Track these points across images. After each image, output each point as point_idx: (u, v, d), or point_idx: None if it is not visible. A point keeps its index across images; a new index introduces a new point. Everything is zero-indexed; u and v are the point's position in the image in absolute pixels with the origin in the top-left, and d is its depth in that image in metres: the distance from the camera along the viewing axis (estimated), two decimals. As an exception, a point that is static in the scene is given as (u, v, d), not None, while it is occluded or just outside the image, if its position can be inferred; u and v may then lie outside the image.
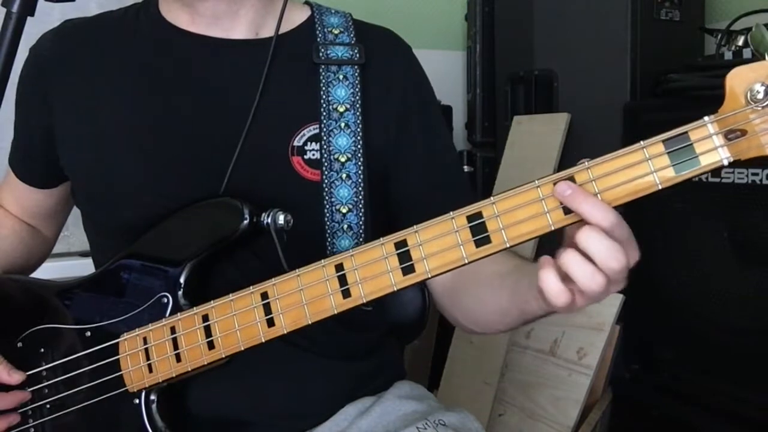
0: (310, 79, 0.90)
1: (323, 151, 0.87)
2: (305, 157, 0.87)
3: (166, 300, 0.81)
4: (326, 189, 0.86)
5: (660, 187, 0.57)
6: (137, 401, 0.80)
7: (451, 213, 0.66)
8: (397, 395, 0.94)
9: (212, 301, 0.77)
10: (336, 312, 0.71)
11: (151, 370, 0.79)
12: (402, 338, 1.11)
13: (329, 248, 0.87)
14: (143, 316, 0.81)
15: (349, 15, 0.97)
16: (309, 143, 0.88)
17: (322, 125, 0.88)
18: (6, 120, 0.97)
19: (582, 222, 0.61)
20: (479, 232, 0.64)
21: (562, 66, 1.85)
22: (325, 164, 0.87)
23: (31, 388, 0.86)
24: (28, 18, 0.72)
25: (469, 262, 0.65)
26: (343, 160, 0.87)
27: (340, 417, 0.90)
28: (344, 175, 0.87)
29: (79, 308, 0.87)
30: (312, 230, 0.86)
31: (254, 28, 0.92)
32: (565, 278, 0.62)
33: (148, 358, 0.79)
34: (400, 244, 0.68)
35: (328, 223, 0.87)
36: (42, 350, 0.86)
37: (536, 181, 0.62)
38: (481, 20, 2.13)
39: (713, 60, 1.62)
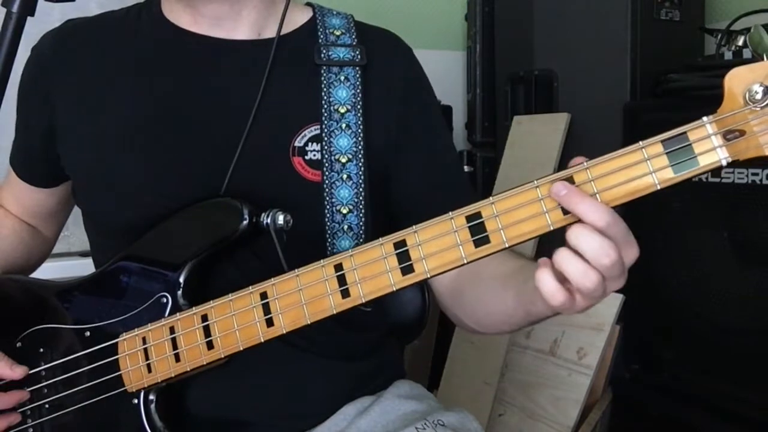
0: (312, 80, 0.90)
1: (324, 151, 0.87)
2: (306, 157, 0.87)
3: (165, 300, 0.81)
4: (327, 189, 0.87)
5: (659, 188, 0.57)
6: (136, 401, 0.80)
7: (450, 213, 0.66)
8: (396, 395, 0.94)
9: (211, 301, 0.77)
10: (335, 312, 0.71)
11: (150, 370, 0.79)
12: (402, 338, 1.11)
13: (329, 249, 0.87)
14: (142, 316, 0.81)
15: (350, 16, 0.97)
16: (310, 144, 0.88)
17: (324, 126, 0.88)
18: (6, 120, 0.97)
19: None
20: (478, 232, 0.64)
21: (562, 66, 1.85)
22: (326, 165, 0.87)
23: (31, 388, 0.86)
24: (28, 18, 0.72)
25: (468, 262, 0.65)
26: (343, 160, 0.87)
27: (339, 417, 0.90)
28: (345, 176, 0.87)
29: (79, 308, 0.87)
30: (312, 231, 0.86)
31: (256, 29, 0.92)
32: (563, 278, 0.62)
33: (147, 358, 0.79)
34: (399, 244, 0.68)
35: (328, 223, 0.87)
36: (41, 350, 0.86)
37: (535, 181, 0.62)
38: (481, 20, 2.13)
39: (713, 60, 1.62)
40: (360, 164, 0.88)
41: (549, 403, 1.54)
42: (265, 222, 0.80)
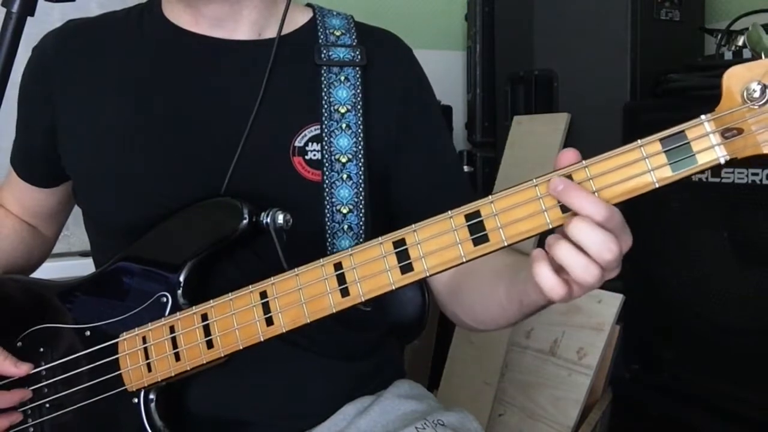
0: (312, 80, 0.90)
1: (324, 151, 0.87)
2: (306, 157, 0.88)
3: (165, 299, 0.81)
4: (327, 189, 0.87)
5: (657, 186, 0.57)
6: (136, 400, 0.80)
7: (450, 212, 0.66)
8: (396, 394, 0.94)
9: (211, 301, 0.77)
10: (334, 311, 0.71)
11: (150, 370, 0.79)
12: (402, 338, 1.11)
13: (329, 248, 0.87)
14: (142, 315, 0.81)
15: (350, 17, 0.98)
16: (310, 144, 0.88)
17: (324, 126, 0.88)
18: (6, 120, 0.97)
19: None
20: (477, 230, 0.64)
21: (562, 66, 1.85)
22: (326, 165, 0.87)
23: (31, 387, 0.86)
24: (28, 18, 0.73)
25: (467, 261, 0.65)
26: (344, 160, 0.88)
27: (339, 416, 0.90)
28: (345, 176, 0.87)
29: (79, 308, 0.87)
30: (312, 230, 0.86)
31: (257, 29, 0.93)
32: (559, 269, 0.63)
33: (147, 358, 0.79)
34: (399, 243, 0.68)
35: (328, 223, 0.87)
36: (41, 350, 0.87)
37: (534, 180, 0.62)
38: (481, 20, 2.13)
39: (713, 60, 1.62)
40: (360, 164, 0.88)
41: (549, 403, 1.53)
42: (264, 221, 0.80)
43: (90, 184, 0.93)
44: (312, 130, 0.88)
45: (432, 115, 0.99)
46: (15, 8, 0.71)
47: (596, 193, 0.59)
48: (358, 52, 0.92)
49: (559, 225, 0.62)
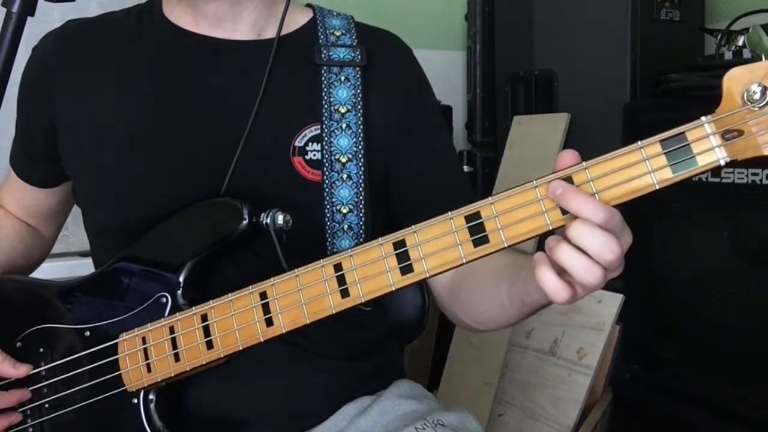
0: (312, 80, 0.90)
1: (324, 151, 0.87)
2: (306, 157, 0.88)
3: (165, 300, 0.81)
4: (327, 189, 0.87)
5: (657, 187, 0.57)
6: (136, 401, 0.80)
7: (450, 213, 0.66)
8: (396, 395, 0.94)
9: (211, 301, 0.77)
10: (334, 312, 0.71)
11: (149, 370, 0.79)
12: (402, 338, 1.11)
13: (329, 248, 0.87)
14: (142, 315, 0.81)
15: (350, 17, 0.98)
16: (310, 144, 0.88)
17: (324, 126, 0.88)
18: (6, 120, 0.97)
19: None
20: (477, 232, 0.64)
21: (562, 66, 1.84)
22: (326, 165, 0.87)
23: (31, 388, 0.86)
24: (28, 18, 0.73)
25: (467, 262, 0.65)
26: (344, 160, 0.88)
27: (339, 417, 0.90)
28: (345, 176, 0.87)
29: (79, 308, 0.87)
30: (312, 230, 0.86)
31: (257, 29, 0.93)
32: (562, 271, 0.63)
33: (147, 358, 0.79)
34: (399, 244, 0.68)
35: (328, 223, 0.87)
36: (41, 350, 0.86)
37: (534, 181, 0.62)
38: (481, 20, 2.12)
39: (713, 60, 1.62)
40: (360, 164, 0.88)
41: (549, 403, 1.53)
42: (264, 222, 0.80)
43: (90, 184, 0.93)
44: (312, 130, 0.88)
45: (432, 116, 0.99)
46: (15, 8, 0.71)
47: (596, 195, 0.59)
48: (358, 53, 0.92)
49: (560, 226, 0.62)
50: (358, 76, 0.90)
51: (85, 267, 0.96)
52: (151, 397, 0.80)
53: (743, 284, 1.33)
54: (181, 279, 0.81)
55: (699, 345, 1.42)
